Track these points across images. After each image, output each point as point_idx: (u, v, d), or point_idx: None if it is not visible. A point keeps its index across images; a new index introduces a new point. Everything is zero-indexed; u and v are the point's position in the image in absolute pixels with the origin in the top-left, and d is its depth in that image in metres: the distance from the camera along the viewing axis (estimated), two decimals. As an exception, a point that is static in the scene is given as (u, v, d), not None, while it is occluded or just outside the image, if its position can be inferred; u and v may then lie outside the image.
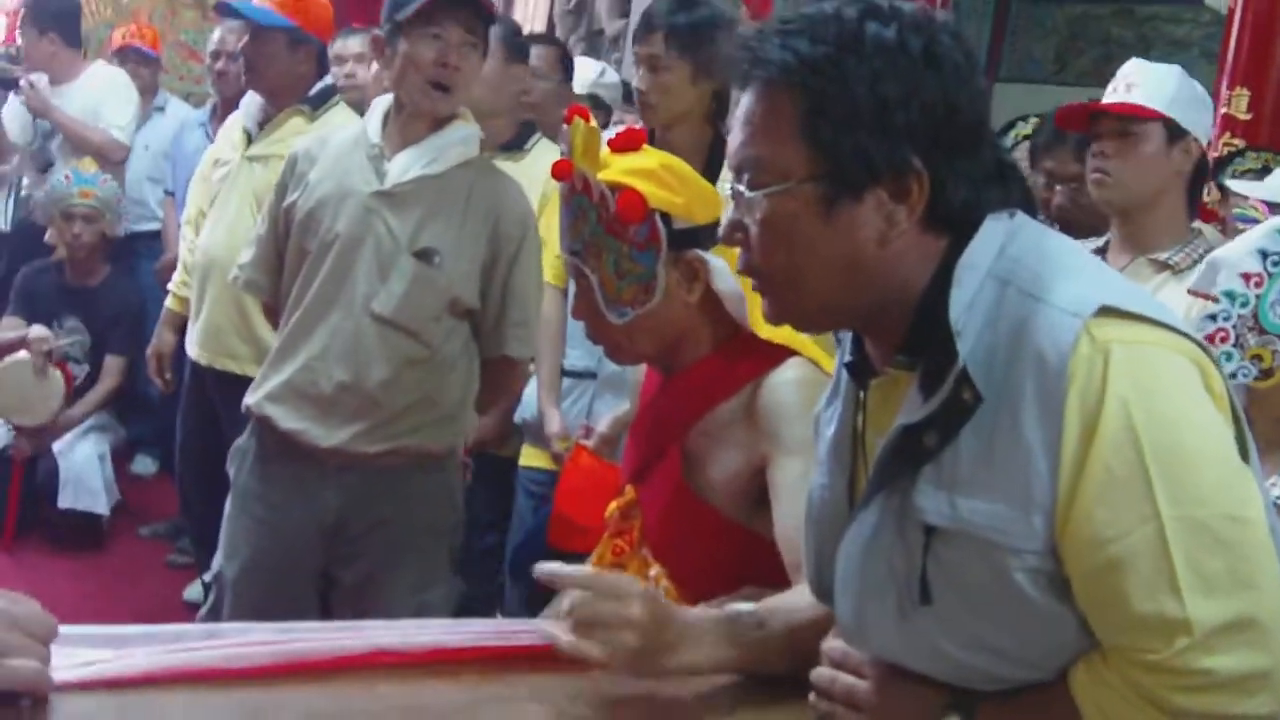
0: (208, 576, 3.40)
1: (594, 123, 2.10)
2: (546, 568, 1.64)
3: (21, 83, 5.94)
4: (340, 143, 3.11)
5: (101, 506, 5.45)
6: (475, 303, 3.03)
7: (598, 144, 2.08)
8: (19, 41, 6.34)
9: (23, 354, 5.19)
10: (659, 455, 2.16)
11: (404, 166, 2.99)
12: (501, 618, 3.41)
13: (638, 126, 2.82)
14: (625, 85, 5.02)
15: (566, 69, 4.53)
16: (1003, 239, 1.40)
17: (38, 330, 5.19)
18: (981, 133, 1.43)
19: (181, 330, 4.62)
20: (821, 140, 1.38)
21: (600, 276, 2.09)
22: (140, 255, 6.06)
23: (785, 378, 2.04)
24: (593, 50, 6.42)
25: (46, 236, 5.62)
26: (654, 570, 2.14)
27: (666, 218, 2.06)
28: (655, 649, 1.61)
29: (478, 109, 3.78)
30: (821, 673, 1.55)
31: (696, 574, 2.08)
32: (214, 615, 3.17)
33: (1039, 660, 1.38)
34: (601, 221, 2.06)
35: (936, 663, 1.43)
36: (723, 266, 2.08)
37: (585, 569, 1.69)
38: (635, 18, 6.27)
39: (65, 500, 5.36)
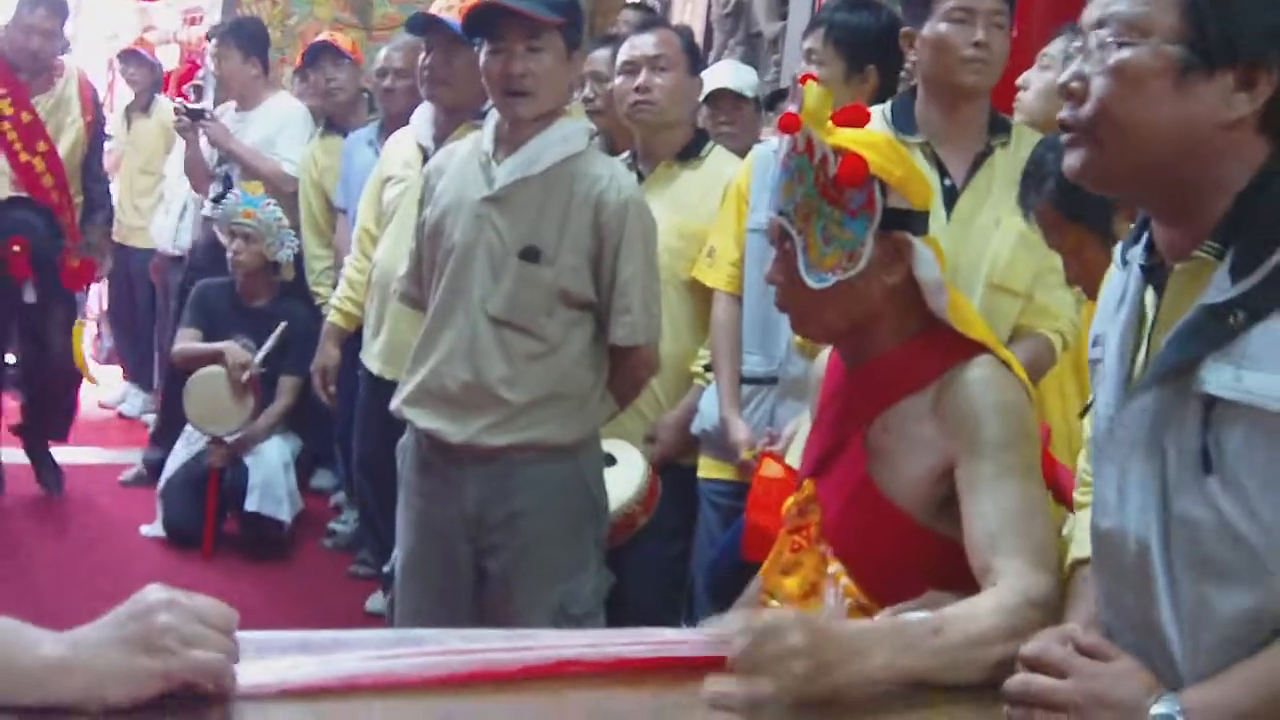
0: (386, 568, 3.59)
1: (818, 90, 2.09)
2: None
3: (206, 115, 6.15)
4: (463, 154, 3.27)
5: (285, 514, 5.61)
6: (590, 294, 3.13)
7: (828, 107, 2.08)
8: (211, 66, 6.54)
9: (217, 368, 5.41)
10: (841, 447, 2.15)
11: (509, 170, 3.12)
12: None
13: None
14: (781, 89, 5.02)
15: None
16: None
17: (236, 349, 5.42)
18: None
19: (345, 345, 4.72)
20: (1198, 10, 1.46)
21: (807, 239, 2.07)
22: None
23: (975, 376, 2.02)
24: (751, 53, 6.38)
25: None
26: (832, 567, 2.13)
27: (885, 189, 2.04)
28: (821, 669, 1.59)
29: (662, 119, 3.85)
30: (1015, 680, 1.52)
31: (877, 572, 2.06)
32: (390, 607, 3.46)
33: None
34: (818, 184, 2.06)
35: (1183, 556, 1.47)
36: (929, 255, 2.07)
37: (738, 620, 1.66)
38: (794, 20, 6.24)
39: (252, 503, 5.53)
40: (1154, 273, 1.58)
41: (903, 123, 3.09)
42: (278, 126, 6.18)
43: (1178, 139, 1.48)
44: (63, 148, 5.83)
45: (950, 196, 3.05)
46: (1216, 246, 1.48)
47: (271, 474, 5.59)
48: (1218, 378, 1.42)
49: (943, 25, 2.99)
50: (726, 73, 4.88)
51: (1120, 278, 1.65)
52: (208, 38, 6.84)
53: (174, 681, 1.39)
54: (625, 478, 3.56)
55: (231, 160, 6.14)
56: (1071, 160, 1.56)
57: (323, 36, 6.46)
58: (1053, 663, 1.50)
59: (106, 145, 6.81)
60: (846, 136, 2.08)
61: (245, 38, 6.34)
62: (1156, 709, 1.41)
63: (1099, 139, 1.52)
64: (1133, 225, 1.66)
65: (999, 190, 3.03)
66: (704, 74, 4.49)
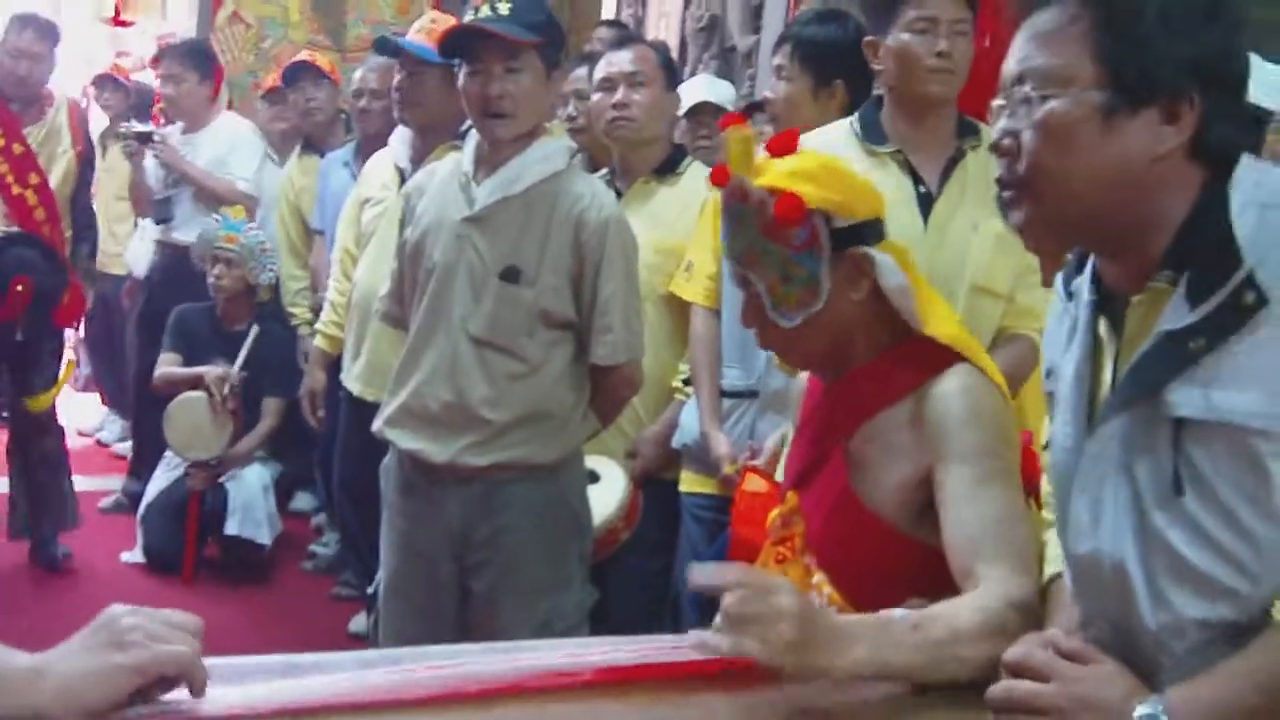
0: (370, 589, 3.59)
1: (748, 129, 2.11)
2: (704, 576, 1.64)
3: (155, 138, 6.13)
4: (443, 174, 3.27)
5: (265, 537, 5.58)
6: (571, 314, 3.14)
7: (752, 150, 2.08)
8: (161, 87, 6.46)
9: (196, 392, 5.39)
10: (823, 460, 2.16)
11: (489, 190, 3.13)
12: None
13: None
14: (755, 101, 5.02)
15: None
16: (1258, 174, 1.49)
17: (215, 371, 5.40)
18: (1245, 81, 1.55)
19: (331, 369, 4.71)
20: (1109, 52, 1.50)
21: (766, 283, 2.09)
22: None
23: (951, 386, 2.03)
24: (725, 67, 6.39)
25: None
26: (816, 578, 2.13)
27: (827, 217, 2.05)
28: (807, 643, 1.58)
29: (640, 135, 3.85)
30: (998, 686, 1.52)
31: (860, 582, 2.07)
32: (374, 628, 3.48)
33: (1269, 578, 1.42)
34: (761, 227, 2.06)
35: (1163, 570, 1.48)
36: (889, 262, 2.07)
37: (737, 569, 1.66)
38: (767, 34, 6.25)
39: (232, 527, 5.51)
40: (1105, 304, 1.60)
41: (872, 134, 3.08)
42: (228, 146, 6.20)
43: (1113, 181, 1.51)
44: (54, 179, 5.62)
45: (926, 203, 3.04)
46: (1169, 274, 1.50)
47: (251, 497, 5.56)
48: (1187, 400, 1.44)
49: (905, 35, 2.97)
50: (705, 87, 4.91)
51: (1066, 309, 1.67)
52: (155, 60, 6.79)
53: (147, 676, 1.39)
54: (607, 493, 3.56)
55: (184, 183, 6.13)
56: (1015, 218, 1.58)
57: (302, 56, 6.46)
58: (1035, 667, 1.50)
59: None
60: (779, 172, 2.08)
61: (201, 59, 6.35)
62: (1140, 710, 1.42)
63: (1037, 194, 1.55)
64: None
65: (974, 193, 3.02)
66: (682, 88, 4.51)
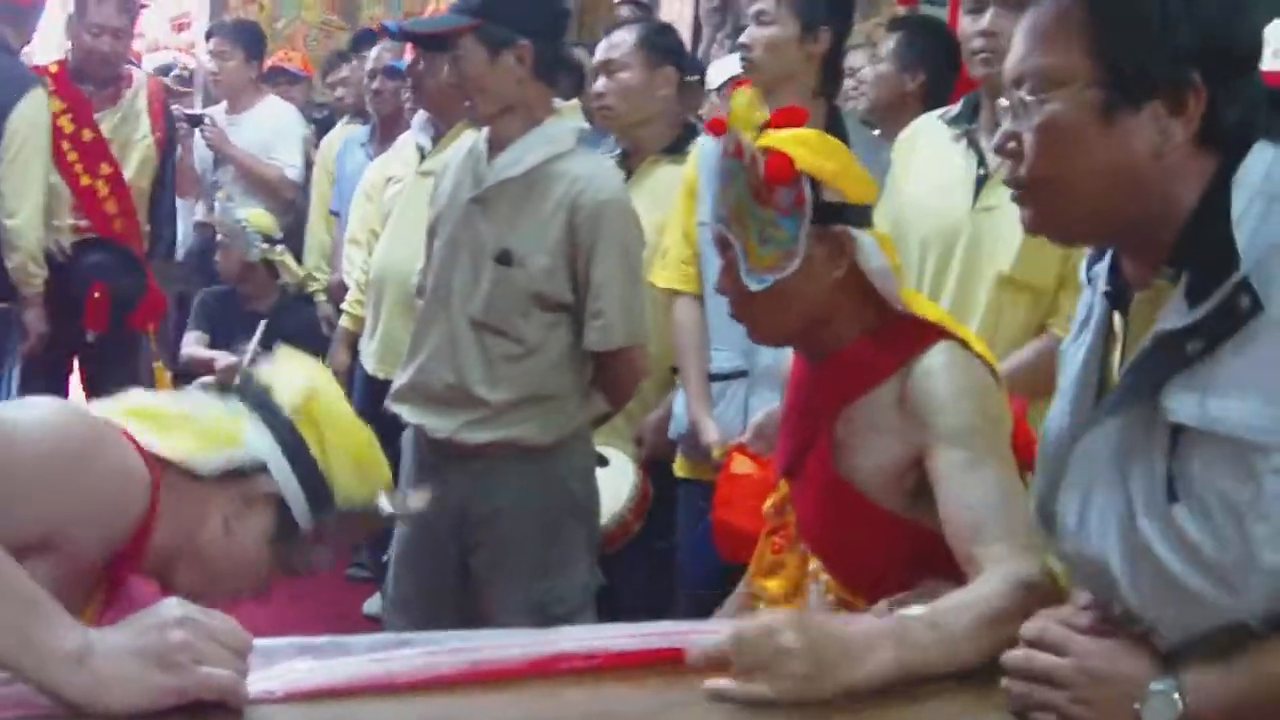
0: (385, 557, 3.59)
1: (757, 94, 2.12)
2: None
3: (205, 120, 6.08)
4: (463, 153, 3.30)
5: None
6: (566, 296, 3.14)
7: (757, 112, 2.08)
8: (208, 65, 6.42)
9: (209, 378, 5.37)
10: (809, 445, 2.14)
11: (496, 171, 3.15)
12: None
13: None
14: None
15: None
16: (1270, 160, 1.44)
17: (225, 358, 5.39)
18: (1255, 58, 1.50)
19: (355, 348, 4.72)
20: (1105, 48, 1.45)
21: (744, 243, 2.06)
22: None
23: (936, 363, 2.01)
24: (738, 46, 6.39)
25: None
26: (813, 565, 2.13)
27: (816, 187, 2.03)
28: (822, 669, 1.58)
29: (628, 119, 3.84)
30: (1015, 653, 1.53)
31: (857, 567, 2.07)
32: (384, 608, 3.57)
33: (1260, 590, 1.38)
34: (749, 185, 2.04)
35: (1149, 576, 1.44)
36: (872, 244, 2.05)
37: (728, 629, 1.65)
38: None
39: None
40: (1120, 296, 1.57)
41: (961, 113, 3.06)
42: (272, 131, 6.15)
43: (1120, 179, 1.47)
44: (129, 169, 5.15)
45: (981, 185, 2.98)
46: (1171, 271, 1.47)
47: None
48: (1183, 406, 1.40)
49: (964, 15, 2.96)
50: (736, 65, 4.90)
51: (1087, 295, 1.65)
52: (208, 35, 6.74)
53: (186, 698, 1.40)
54: (616, 485, 3.56)
55: (228, 165, 6.10)
56: (1025, 218, 1.56)
57: (274, 61, 6.58)
58: (1053, 641, 1.51)
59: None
60: (777, 137, 2.07)
61: (249, 39, 6.34)
62: (1155, 685, 1.42)
63: (1042, 196, 1.53)
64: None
65: None
66: (713, 65, 4.52)
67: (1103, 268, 1.61)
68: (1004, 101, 1.56)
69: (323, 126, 6.39)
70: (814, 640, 1.59)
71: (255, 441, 1.79)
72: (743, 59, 3.51)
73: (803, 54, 3.42)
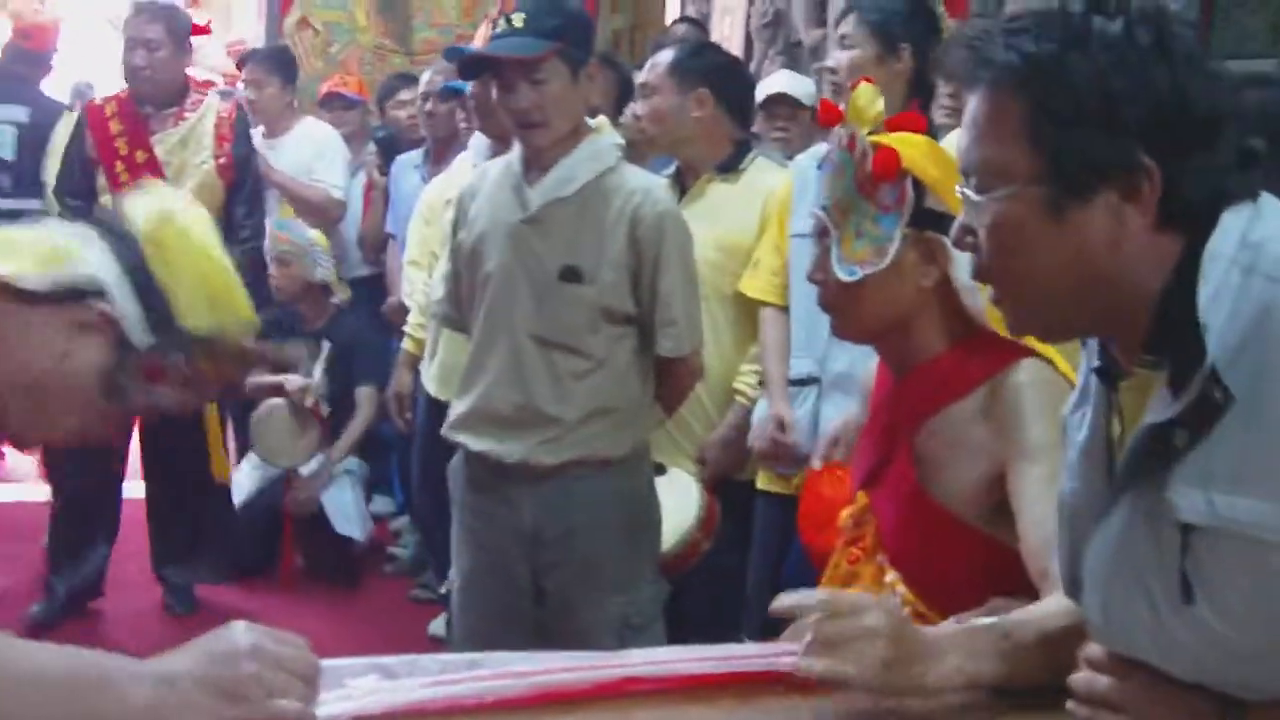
0: (443, 589, 3.63)
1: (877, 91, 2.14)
2: (784, 602, 1.61)
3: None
4: (495, 176, 3.29)
5: (357, 533, 5.65)
6: (631, 308, 3.16)
7: (875, 110, 2.10)
8: (242, 90, 6.47)
9: (279, 400, 5.44)
10: (891, 457, 2.14)
11: (543, 192, 3.15)
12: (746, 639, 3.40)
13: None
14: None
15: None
16: (1244, 227, 1.34)
17: (297, 381, 5.43)
18: (1218, 123, 1.36)
19: (416, 370, 4.76)
20: (1046, 141, 1.36)
21: (841, 234, 2.09)
22: (359, 300, 6.20)
23: (1021, 380, 2.01)
24: (791, 63, 6.39)
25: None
26: (890, 578, 2.12)
27: (919, 190, 2.06)
28: (900, 659, 1.56)
29: (661, 141, 3.91)
30: (1080, 677, 1.50)
31: (936, 581, 2.06)
32: (449, 628, 3.49)
33: None
34: (855, 178, 2.07)
35: (1187, 665, 1.39)
36: (964, 259, 2.05)
37: (820, 593, 1.65)
38: (833, 28, 6.22)
39: (330, 523, 5.57)
40: (1110, 375, 1.49)
41: None
42: (313, 152, 6.20)
43: (1081, 273, 1.38)
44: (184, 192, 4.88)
45: None
46: (1151, 360, 1.40)
47: (343, 495, 5.63)
48: (1190, 505, 1.32)
49: None
50: (783, 80, 4.95)
51: (1084, 363, 1.58)
52: (240, 63, 6.81)
53: None
54: (681, 504, 3.56)
55: (273, 189, 6.11)
56: (1005, 321, 1.52)
57: (330, 86, 6.68)
58: (1117, 665, 1.48)
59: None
60: (889, 137, 2.10)
61: (283, 65, 6.41)
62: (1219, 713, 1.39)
63: (1008, 295, 1.47)
64: None
65: None
66: (762, 82, 4.55)
67: (1093, 342, 1.53)
68: (958, 189, 1.49)
69: (384, 148, 6.43)
70: (898, 629, 1.57)
71: (93, 260, 1.72)
72: (831, 84, 3.60)
73: (885, 73, 3.43)
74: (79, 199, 4.92)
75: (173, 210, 1.82)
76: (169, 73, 5.03)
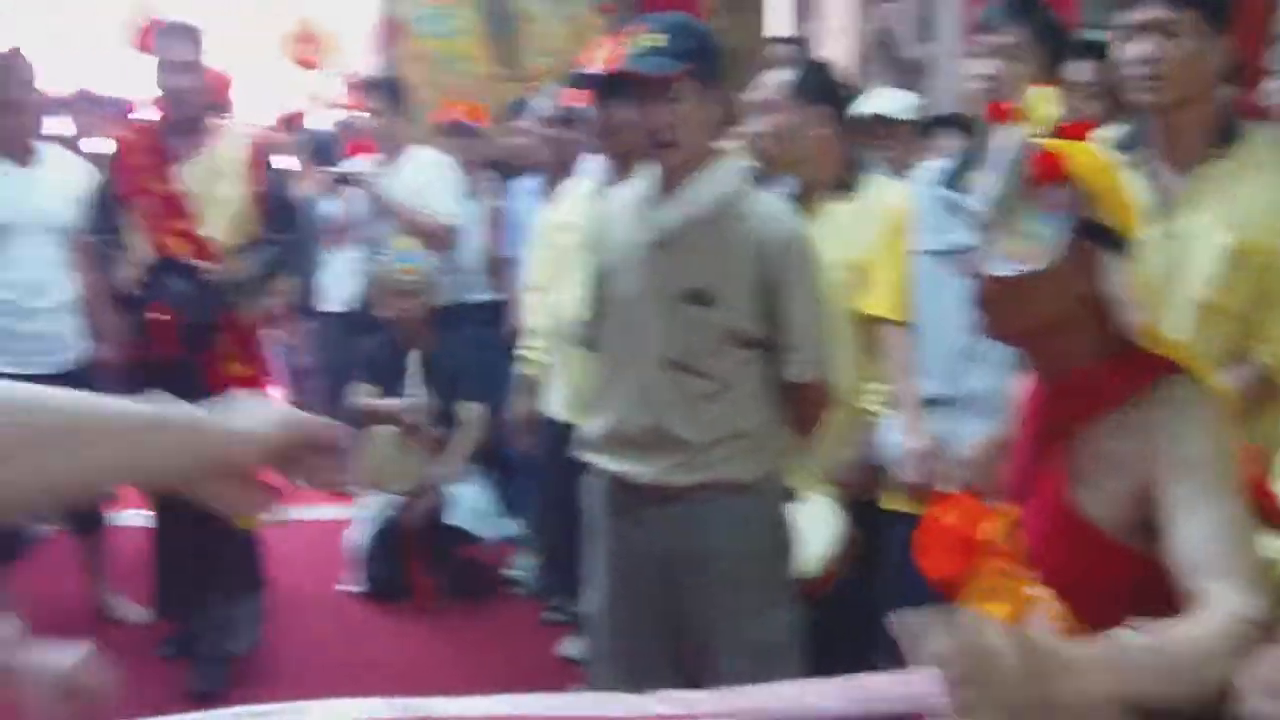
0: (578, 610, 3.65)
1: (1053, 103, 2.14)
2: (907, 624, 1.59)
3: (360, 175, 6.23)
4: (626, 199, 3.33)
5: (490, 532, 5.77)
6: (759, 332, 3.16)
7: (1048, 108, 2.11)
8: (362, 120, 6.61)
9: (387, 427, 5.55)
10: (1041, 470, 2.14)
11: (672, 215, 3.17)
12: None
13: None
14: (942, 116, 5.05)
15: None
16: None
17: (405, 404, 5.53)
18: None
19: (536, 393, 4.82)
20: None
21: (1000, 230, 2.09)
22: (474, 323, 6.31)
23: (1171, 395, 2.00)
24: (902, 79, 6.39)
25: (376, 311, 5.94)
26: (1037, 592, 2.11)
27: (1083, 198, 2.06)
28: (1033, 679, 1.53)
29: (783, 159, 3.92)
30: (1260, 706, 1.51)
31: (1084, 596, 2.05)
32: (585, 651, 3.55)
33: None
34: (1019, 177, 2.08)
35: None
36: (1120, 273, 2.06)
37: (941, 628, 1.60)
38: (942, 43, 6.22)
39: (460, 526, 5.68)
40: None
41: (1131, 138, 3.03)
42: (426, 179, 6.25)
43: None
44: (214, 225, 4.71)
45: (1160, 212, 2.95)
46: None
47: (470, 499, 5.73)
48: None
49: (1120, 44, 2.94)
50: (880, 99, 4.98)
51: None
52: (352, 92, 6.92)
53: None
54: (819, 528, 3.57)
55: (386, 216, 6.21)
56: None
57: (446, 115, 6.82)
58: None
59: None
60: (1058, 143, 2.11)
61: (395, 93, 6.50)
62: None
63: None
64: None
65: (1217, 204, 2.93)
66: (864, 98, 4.56)
67: None
68: None
69: (504, 174, 6.53)
70: (1028, 649, 1.55)
71: None
72: (984, 88, 3.48)
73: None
74: (106, 235, 4.81)
75: None
76: (203, 97, 4.88)
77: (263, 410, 1.49)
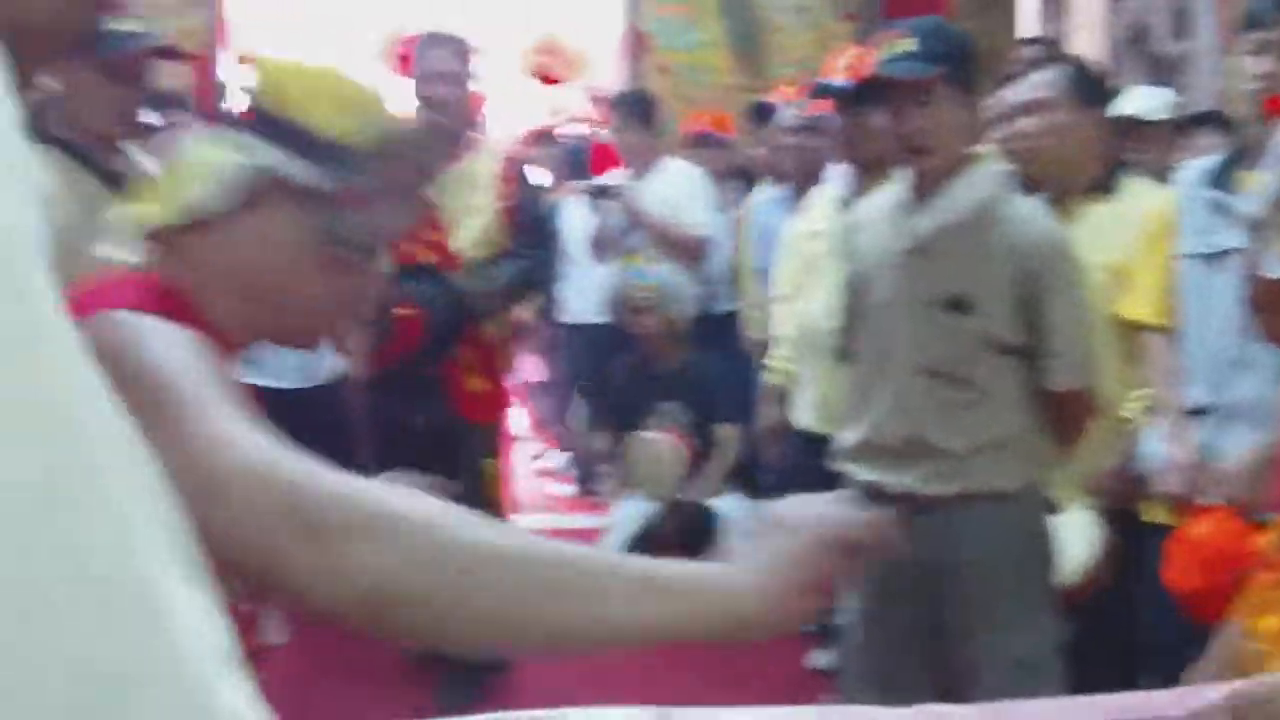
0: (830, 621, 3.59)
1: None
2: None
3: (615, 189, 6.32)
4: (880, 206, 3.29)
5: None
6: (1017, 339, 3.09)
7: None
8: (611, 137, 6.70)
9: (660, 434, 5.62)
10: None
11: (928, 221, 3.12)
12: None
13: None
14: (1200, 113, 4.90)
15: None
16: None
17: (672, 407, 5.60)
18: None
19: (784, 403, 4.81)
20: None
21: (1277, 230, 2.03)
22: (722, 334, 6.29)
23: None
24: (1154, 76, 6.22)
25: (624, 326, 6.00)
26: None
27: None
28: None
29: (1056, 158, 3.82)
30: None
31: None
32: (837, 662, 3.52)
33: None
34: None
35: None
36: None
37: (1224, 692, 1.56)
38: (1201, 39, 6.02)
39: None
40: None
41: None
42: (677, 192, 6.29)
43: None
44: (462, 238, 4.63)
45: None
46: None
47: (734, 512, 5.71)
48: None
49: (1246, 58, 2.86)
50: (1130, 100, 4.88)
51: None
52: (600, 108, 7.01)
53: None
54: (1078, 537, 3.48)
55: (639, 230, 6.27)
56: None
57: (694, 127, 6.88)
58: None
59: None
60: None
61: (644, 107, 6.56)
62: None
63: None
64: None
65: None
66: (1122, 97, 4.46)
67: None
68: None
69: (749, 183, 6.55)
70: None
71: (230, 155, 1.58)
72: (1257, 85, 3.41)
73: None
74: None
75: (260, 55, 1.69)
76: (465, 109, 4.84)
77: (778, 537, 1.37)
